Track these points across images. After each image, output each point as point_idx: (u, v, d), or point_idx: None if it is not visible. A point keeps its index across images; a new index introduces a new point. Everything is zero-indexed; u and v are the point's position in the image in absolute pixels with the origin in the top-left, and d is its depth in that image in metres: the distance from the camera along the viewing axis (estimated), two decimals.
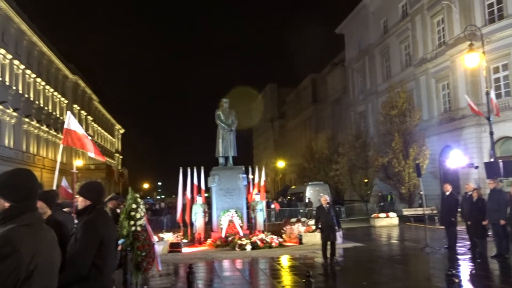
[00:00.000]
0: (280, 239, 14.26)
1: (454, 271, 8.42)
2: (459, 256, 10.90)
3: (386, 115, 25.44)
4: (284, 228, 15.47)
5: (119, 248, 5.14)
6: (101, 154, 9.83)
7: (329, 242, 10.55)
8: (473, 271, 9.40)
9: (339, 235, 12.45)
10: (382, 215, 21.11)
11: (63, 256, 2.50)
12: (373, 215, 21.57)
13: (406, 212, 22.19)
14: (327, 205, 10.91)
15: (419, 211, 20.11)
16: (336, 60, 47.97)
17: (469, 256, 10.87)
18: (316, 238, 12.79)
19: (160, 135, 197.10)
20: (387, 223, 20.36)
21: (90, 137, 9.68)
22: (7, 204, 2.06)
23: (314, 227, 13.21)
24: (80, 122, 48.23)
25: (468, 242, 11.62)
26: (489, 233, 10.90)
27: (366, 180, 29.30)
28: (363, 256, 11.92)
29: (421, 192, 16.76)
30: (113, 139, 74.32)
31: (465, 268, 9.86)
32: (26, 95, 34.85)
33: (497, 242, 10.33)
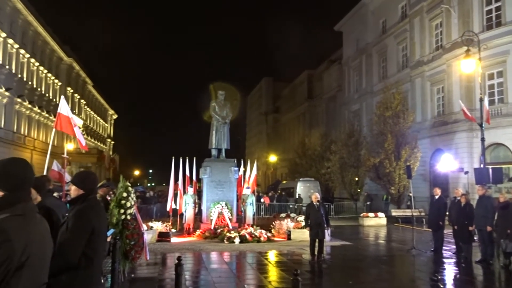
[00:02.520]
0: (269, 234, 14.32)
1: (438, 276, 8.54)
2: (444, 260, 11.03)
3: (380, 115, 25.53)
4: (273, 223, 15.54)
5: (108, 239, 5.13)
6: (85, 146, 9.81)
7: (317, 240, 10.63)
8: (458, 275, 9.54)
9: (327, 232, 12.54)
10: (371, 214, 21.28)
11: (53, 242, 2.48)
12: (362, 214, 21.73)
13: (395, 213, 22.41)
14: (317, 203, 10.98)
15: (407, 213, 20.30)
16: (333, 57, 47.93)
17: (454, 260, 11.01)
18: (304, 234, 12.87)
19: (153, 122, 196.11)
20: (375, 222, 20.53)
21: (78, 125, 9.64)
22: (1, 193, 2.04)
23: (303, 224, 13.29)
24: (73, 105, 47.83)
25: (454, 246, 11.78)
26: (475, 238, 11.05)
27: (356, 179, 29.46)
28: (350, 255, 12.02)
29: (411, 194, 16.91)
30: (106, 124, 73.78)
31: (449, 272, 10.00)
32: (19, 75, 34.40)
33: (482, 248, 10.48)
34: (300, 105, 56.65)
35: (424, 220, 19.12)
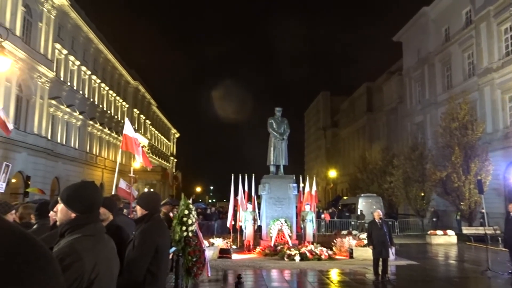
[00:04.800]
0: (330, 252, 14.00)
1: None
2: None
3: (446, 127, 24.26)
4: (335, 241, 15.16)
5: (170, 256, 5.32)
6: (149, 163, 10.32)
7: (381, 259, 10.21)
8: None
9: (391, 251, 12.01)
10: (439, 232, 20.07)
11: (120, 259, 2.62)
12: (429, 232, 20.57)
13: (466, 230, 20.93)
14: (380, 220, 10.58)
15: (480, 230, 18.89)
16: (392, 68, 46.59)
17: None
18: (367, 253, 12.42)
19: (213, 140, 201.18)
20: (444, 241, 19.33)
21: (140, 145, 10.16)
22: (73, 215, 2.20)
23: (366, 242, 12.85)
24: (139, 125, 50.53)
25: None
26: None
27: (422, 194, 28.06)
28: (418, 275, 11.39)
29: (483, 210, 15.78)
30: (169, 143, 76.96)
31: None
32: (91, 99, 37.05)
33: None
34: (359, 118, 55.42)
35: (500, 238, 17.69)
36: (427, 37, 35.57)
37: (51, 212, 3.11)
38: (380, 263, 10.21)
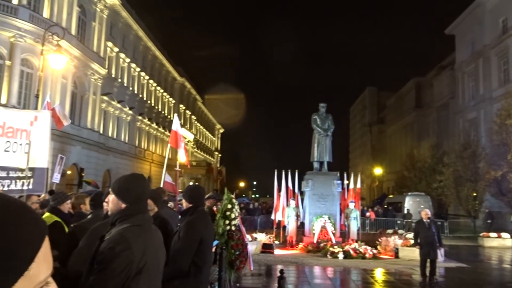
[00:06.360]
0: (375, 251, 13.68)
1: None
2: None
3: (502, 124, 22.96)
4: (379, 239, 14.80)
5: (213, 249, 5.43)
6: (188, 162, 10.65)
7: (428, 260, 9.86)
8: None
9: (440, 253, 11.56)
10: (493, 234, 19.05)
11: (166, 250, 2.71)
12: (482, 234, 19.60)
13: None
14: (428, 220, 10.20)
15: None
16: (444, 62, 44.61)
17: None
18: (414, 253, 12.03)
19: (257, 136, 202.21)
20: (498, 244, 18.33)
21: (188, 139, 10.47)
22: (123, 205, 2.30)
23: (413, 242, 12.45)
24: (185, 121, 51.74)
25: None
26: None
27: (474, 194, 26.73)
28: (468, 279, 10.90)
29: None
30: (213, 138, 78.29)
31: None
32: (140, 95, 38.38)
33: None
34: (407, 115, 53.63)
35: None
36: (482, 29, 33.70)
37: (104, 203, 3.27)
38: (428, 264, 9.86)
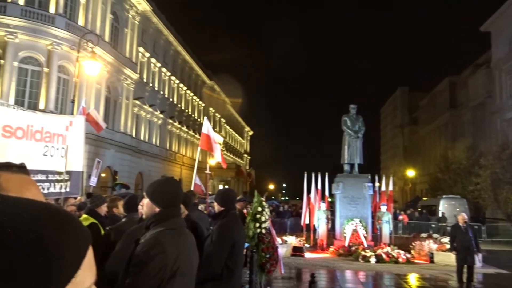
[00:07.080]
0: (408, 255, 13.35)
1: None
2: None
3: None
4: (413, 243, 14.43)
5: (244, 252, 5.45)
6: (224, 161, 10.69)
7: (465, 266, 9.52)
8: None
9: (478, 258, 11.15)
10: None
11: (199, 254, 2.74)
12: None
13: None
14: (465, 224, 9.86)
15: None
16: (479, 60, 43.08)
17: None
18: (450, 258, 11.65)
19: (286, 138, 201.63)
20: None
21: (218, 143, 10.54)
22: (157, 209, 2.34)
23: (448, 246, 12.07)
24: (214, 124, 52.26)
25: None
26: None
27: None
28: (508, 285, 10.46)
29: None
30: (243, 141, 78.62)
31: None
32: (171, 99, 39.06)
33: None
34: (441, 115, 52.10)
35: None
36: None
37: (139, 206, 3.33)
38: (465, 270, 9.53)
